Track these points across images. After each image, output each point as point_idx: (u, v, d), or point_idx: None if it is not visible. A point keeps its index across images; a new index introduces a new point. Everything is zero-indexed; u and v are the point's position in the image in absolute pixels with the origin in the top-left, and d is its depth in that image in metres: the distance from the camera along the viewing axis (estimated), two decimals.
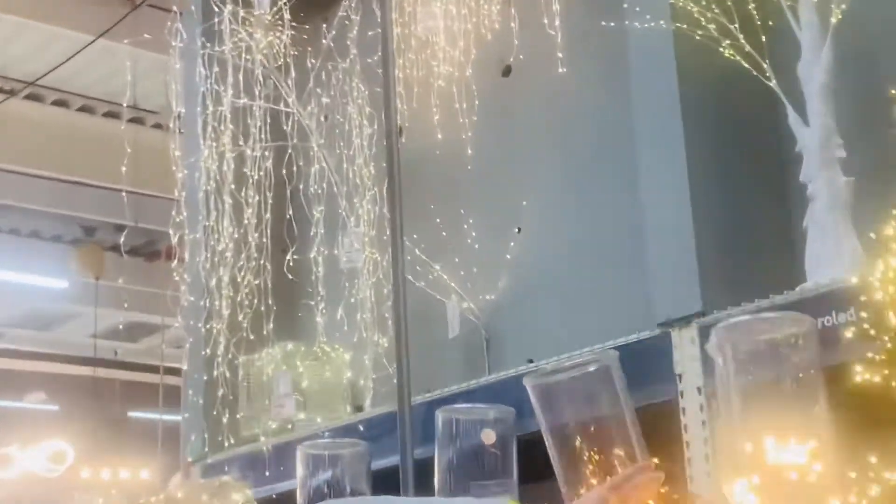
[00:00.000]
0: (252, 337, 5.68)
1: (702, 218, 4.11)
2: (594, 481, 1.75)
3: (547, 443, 1.81)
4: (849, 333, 1.40)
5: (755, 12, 4.21)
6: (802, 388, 1.71)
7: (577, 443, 1.80)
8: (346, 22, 5.73)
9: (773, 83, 4.09)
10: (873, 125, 3.94)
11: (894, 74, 3.96)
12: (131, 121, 8.82)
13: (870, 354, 1.32)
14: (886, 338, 1.35)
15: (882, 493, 1.23)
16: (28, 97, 11.79)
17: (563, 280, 4.99)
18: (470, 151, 5.27)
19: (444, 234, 5.34)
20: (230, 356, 5.66)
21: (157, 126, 8.87)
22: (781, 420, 1.71)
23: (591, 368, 1.87)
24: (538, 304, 5.07)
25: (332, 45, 5.80)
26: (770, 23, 4.22)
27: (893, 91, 3.72)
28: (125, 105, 7.75)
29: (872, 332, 1.40)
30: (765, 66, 4.11)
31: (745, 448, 1.62)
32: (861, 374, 1.34)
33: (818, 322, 2.10)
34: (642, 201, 4.37)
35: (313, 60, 5.92)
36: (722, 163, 4.29)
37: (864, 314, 1.37)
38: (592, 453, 1.78)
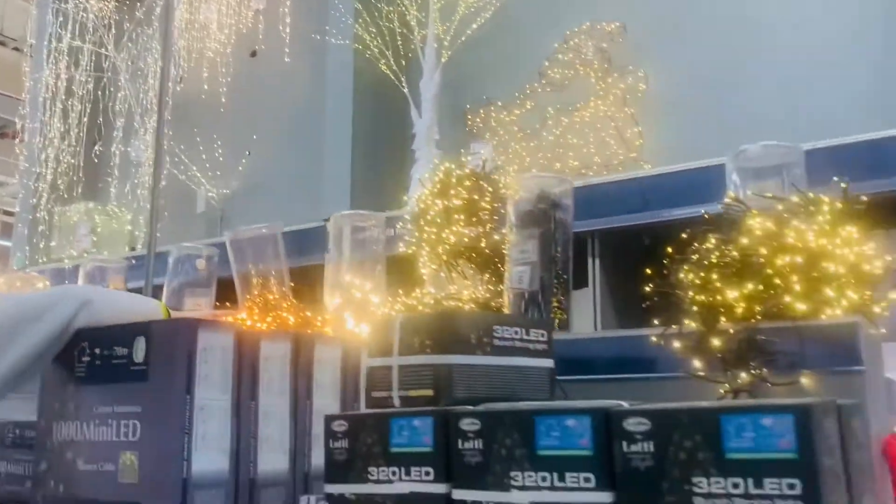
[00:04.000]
0: (66, 196, 5.80)
1: (357, 162, 4.56)
2: (256, 291, 1.89)
3: (234, 276, 1.95)
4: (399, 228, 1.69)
5: (400, 46, 4.68)
6: (375, 257, 2.01)
7: (253, 276, 1.92)
8: (154, 3, 5.77)
9: (406, 90, 4.57)
10: (454, 122, 4.51)
11: (472, 96, 4.52)
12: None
13: (406, 244, 1.65)
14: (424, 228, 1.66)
15: (405, 308, 1.47)
16: None
17: (272, 186, 5.31)
18: (223, 100, 5.57)
19: (201, 148, 5.63)
20: (49, 206, 5.75)
21: (16, 49, 8.35)
22: (362, 273, 1.96)
23: (265, 233, 1.95)
24: (257, 198, 5.38)
25: (142, 17, 5.87)
26: (409, 54, 4.69)
27: (468, 105, 4.44)
28: None
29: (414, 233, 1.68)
30: (402, 79, 4.58)
31: (341, 281, 1.88)
32: (401, 251, 1.67)
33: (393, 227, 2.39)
34: (325, 147, 4.76)
35: (128, 24, 5.97)
36: (372, 133, 4.66)
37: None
38: (259, 281, 1.89)
